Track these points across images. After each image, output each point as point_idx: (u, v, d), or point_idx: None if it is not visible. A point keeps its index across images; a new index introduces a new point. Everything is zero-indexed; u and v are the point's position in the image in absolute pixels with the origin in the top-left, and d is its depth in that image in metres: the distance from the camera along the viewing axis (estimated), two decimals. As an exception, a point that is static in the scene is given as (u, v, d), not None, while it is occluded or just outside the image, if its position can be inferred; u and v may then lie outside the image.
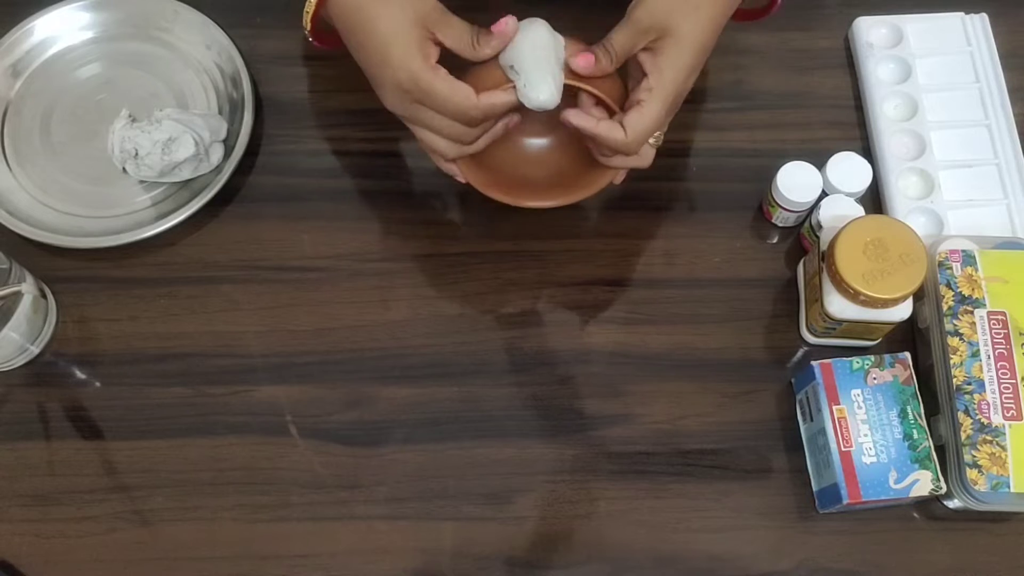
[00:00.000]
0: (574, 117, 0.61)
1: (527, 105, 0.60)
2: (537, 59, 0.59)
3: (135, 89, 0.79)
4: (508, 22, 0.60)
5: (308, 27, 0.65)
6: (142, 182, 0.75)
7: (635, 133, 0.60)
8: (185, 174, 0.74)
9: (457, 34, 0.60)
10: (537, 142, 0.71)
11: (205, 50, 0.79)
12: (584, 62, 0.60)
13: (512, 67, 0.59)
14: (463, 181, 0.67)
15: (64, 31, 0.80)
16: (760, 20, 0.73)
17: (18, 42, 0.79)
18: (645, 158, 0.65)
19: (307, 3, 0.64)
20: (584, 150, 0.66)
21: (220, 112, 0.78)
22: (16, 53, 0.79)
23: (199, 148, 0.73)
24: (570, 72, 0.60)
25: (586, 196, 0.68)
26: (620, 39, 0.60)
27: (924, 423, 0.64)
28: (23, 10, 0.79)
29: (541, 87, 0.58)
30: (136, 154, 0.73)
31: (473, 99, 0.59)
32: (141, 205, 0.75)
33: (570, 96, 0.62)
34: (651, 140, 0.64)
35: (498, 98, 0.60)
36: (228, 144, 0.76)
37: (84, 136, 0.77)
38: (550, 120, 0.66)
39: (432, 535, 0.66)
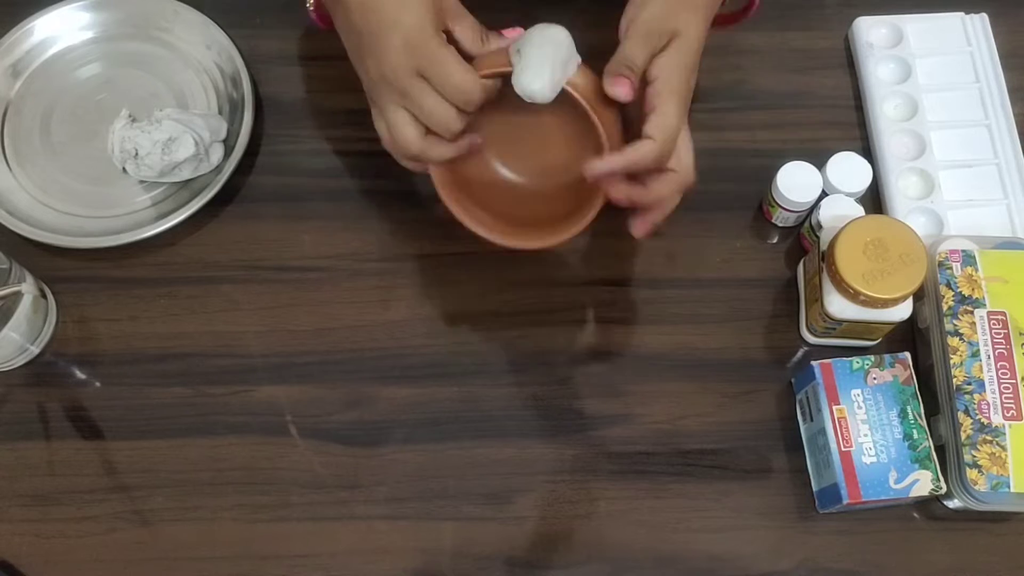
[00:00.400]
0: (598, 167, 0.58)
1: (517, 90, 0.57)
2: (544, 52, 0.57)
3: (135, 89, 0.79)
4: (519, 30, 0.59)
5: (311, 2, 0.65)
6: (142, 182, 0.75)
7: (663, 136, 0.58)
8: (185, 174, 0.74)
9: (468, 29, 0.60)
10: (522, 179, 0.68)
11: (205, 50, 0.79)
12: (624, 90, 0.57)
13: (518, 51, 0.57)
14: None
15: (64, 31, 0.80)
16: (737, 24, 0.71)
17: (18, 42, 0.79)
18: (688, 173, 0.61)
19: None
20: (572, 187, 0.63)
21: (220, 112, 0.78)
22: (16, 53, 0.79)
23: (199, 148, 0.73)
24: (590, 96, 0.58)
25: (574, 234, 0.63)
26: (638, 55, 0.58)
27: (924, 423, 0.64)
28: (23, 10, 0.79)
29: (536, 76, 0.56)
30: (136, 154, 0.73)
31: (476, 77, 0.57)
32: (141, 205, 0.75)
33: (563, 115, 0.60)
34: None
35: (497, 68, 0.57)
36: (228, 144, 0.76)
37: (84, 136, 0.77)
38: (538, 155, 0.65)
39: (432, 535, 0.66)
